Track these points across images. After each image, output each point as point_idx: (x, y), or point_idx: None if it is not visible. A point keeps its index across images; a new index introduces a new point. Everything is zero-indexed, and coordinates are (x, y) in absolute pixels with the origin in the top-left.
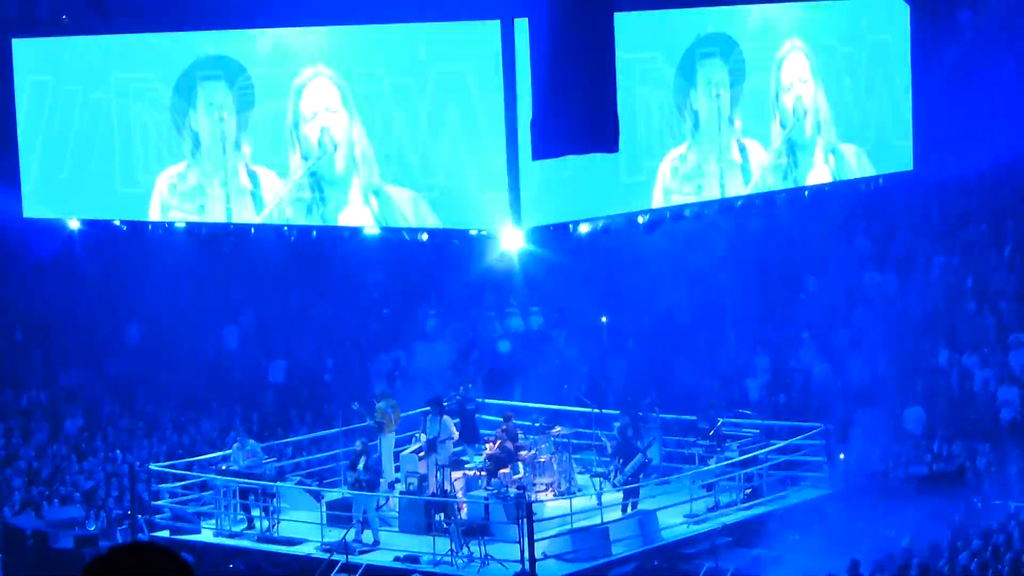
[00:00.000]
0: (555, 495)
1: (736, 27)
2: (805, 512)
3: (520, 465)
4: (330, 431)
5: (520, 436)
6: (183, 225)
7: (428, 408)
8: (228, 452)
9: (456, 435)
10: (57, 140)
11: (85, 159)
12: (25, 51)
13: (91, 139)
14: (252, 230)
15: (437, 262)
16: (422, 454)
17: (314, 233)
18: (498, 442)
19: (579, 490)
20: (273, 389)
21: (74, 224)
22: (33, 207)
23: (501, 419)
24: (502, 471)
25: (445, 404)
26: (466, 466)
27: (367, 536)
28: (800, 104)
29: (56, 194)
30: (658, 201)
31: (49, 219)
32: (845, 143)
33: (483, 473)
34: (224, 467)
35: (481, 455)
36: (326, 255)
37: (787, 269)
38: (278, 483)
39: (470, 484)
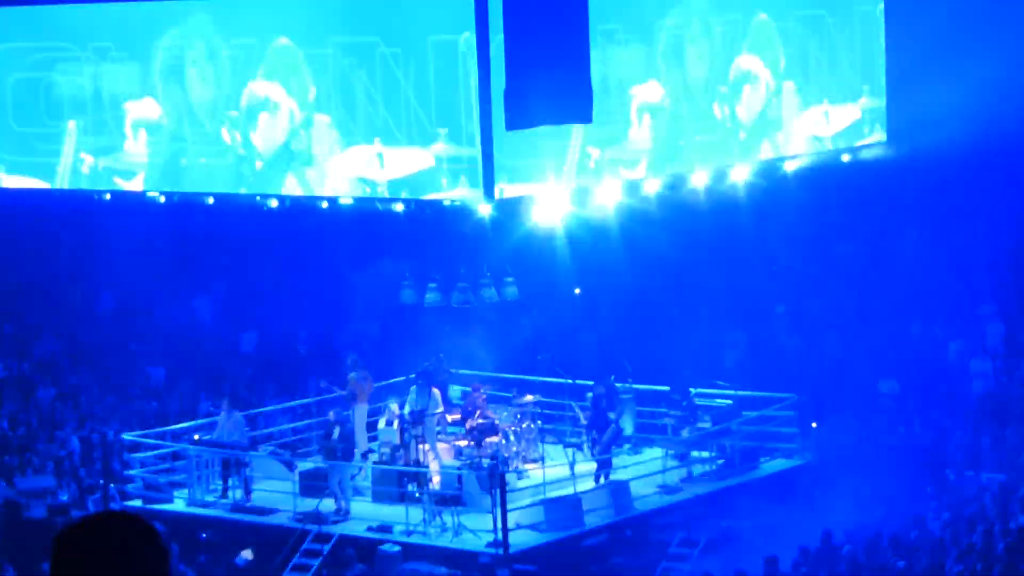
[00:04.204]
0: (523, 463)
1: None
2: (778, 482)
3: (511, 433)
4: (303, 401)
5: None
6: (157, 194)
7: (414, 378)
8: (215, 419)
9: (442, 408)
10: (22, 109)
11: (53, 127)
12: None
13: (59, 108)
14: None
15: (410, 233)
16: (395, 424)
17: (288, 203)
18: (478, 412)
19: (544, 457)
20: (245, 360)
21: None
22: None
23: (469, 389)
24: (489, 440)
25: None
26: (439, 436)
27: (341, 505)
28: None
29: (25, 163)
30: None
31: (18, 189)
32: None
33: (470, 443)
34: (197, 436)
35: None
36: (299, 225)
37: (761, 241)
38: (250, 453)
39: (458, 455)
